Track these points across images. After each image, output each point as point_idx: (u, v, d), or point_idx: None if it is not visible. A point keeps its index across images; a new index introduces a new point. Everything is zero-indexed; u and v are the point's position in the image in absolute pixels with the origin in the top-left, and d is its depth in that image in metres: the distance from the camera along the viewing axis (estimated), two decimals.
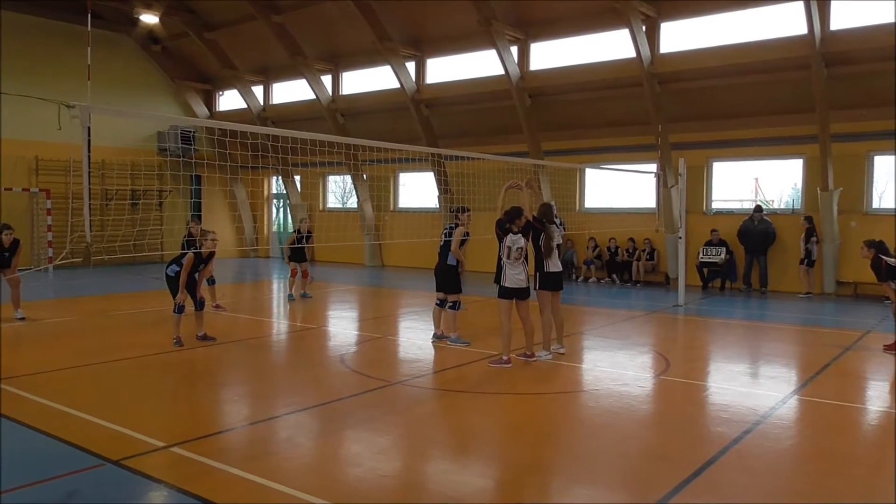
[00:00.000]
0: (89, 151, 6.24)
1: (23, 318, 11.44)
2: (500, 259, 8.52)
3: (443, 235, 10.03)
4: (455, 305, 9.73)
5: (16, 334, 10.56)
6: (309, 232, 14.87)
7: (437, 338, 9.92)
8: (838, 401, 7.25)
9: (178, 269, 9.61)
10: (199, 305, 9.86)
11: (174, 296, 9.62)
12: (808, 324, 12.36)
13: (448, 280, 9.68)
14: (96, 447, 5.46)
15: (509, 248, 8.42)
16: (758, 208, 16.55)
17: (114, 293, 15.67)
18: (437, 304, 9.94)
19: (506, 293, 8.47)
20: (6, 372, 7.92)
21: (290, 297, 14.48)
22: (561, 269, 9.12)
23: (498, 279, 8.56)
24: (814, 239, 15.48)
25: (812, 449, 5.88)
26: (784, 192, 18.14)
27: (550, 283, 8.93)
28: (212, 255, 9.94)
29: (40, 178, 20.95)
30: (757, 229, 16.21)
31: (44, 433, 5.84)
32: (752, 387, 7.96)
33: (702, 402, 7.28)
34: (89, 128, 6.13)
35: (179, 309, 9.58)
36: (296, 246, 14.28)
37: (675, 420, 6.62)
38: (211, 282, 12.86)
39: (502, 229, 8.50)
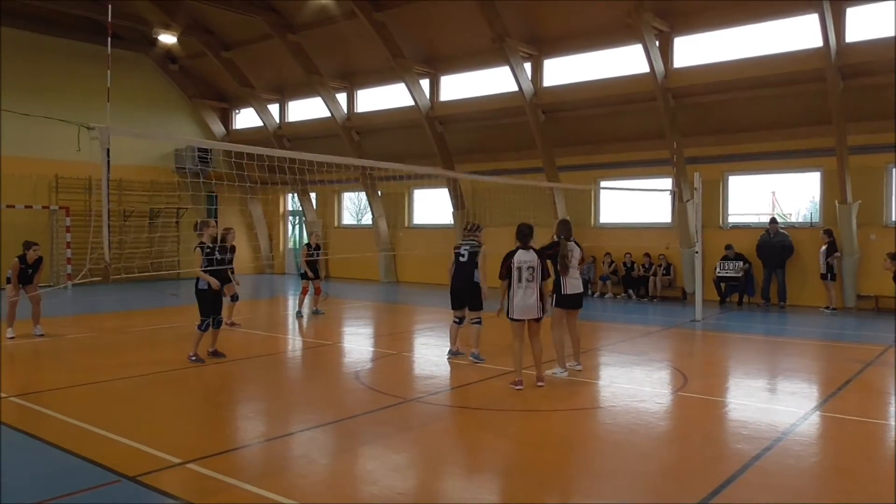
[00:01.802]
0: (108, 172, 6.31)
1: (42, 335, 11.54)
2: (509, 285, 8.05)
3: (460, 253, 9.87)
4: (480, 321, 9.70)
5: (35, 350, 10.66)
6: (318, 246, 14.64)
7: (453, 354, 9.88)
8: (860, 417, 7.14)
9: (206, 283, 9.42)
10: (217, 323, 9.76)
11: (202, 311, 9.44)
12: (828, 338, 12.20)
13: (476, 297, 9.61)
14: (113, 463, 5.48)
15: (519, 268, 7.98)
16: (773, 221, 16.41)
17: (131, 310, 15.78)
18: (455, 322, 9.91)
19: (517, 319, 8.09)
20: (25, 388, 7.99)
21: (299, 314, 14.43)
22: (581, 290, 8.82)
23: (507, 307, 8.09)
24: (837, 254, 15.30)
25: (834, 466, 5.78)
26: (802, 206, 17.99)
27: (568, 303, 8.75)
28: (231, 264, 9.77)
29: (60, 196, 21.26)
30: (773, 242, 16.08)
31: (61, 449, 5.87)
32: (772, 403, 7.86)
33: (721, 419, 7.19)
34: (108, 149, 6.20)
35: (206, 326, 9.49)
36: (310, 259, 14.25)
37: (694, 437, 6.54)
38: (234, 298, 12.81)
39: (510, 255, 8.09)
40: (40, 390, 8.07)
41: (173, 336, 11.77)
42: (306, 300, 14.73)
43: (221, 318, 9.90)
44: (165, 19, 22.00)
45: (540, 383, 8.14)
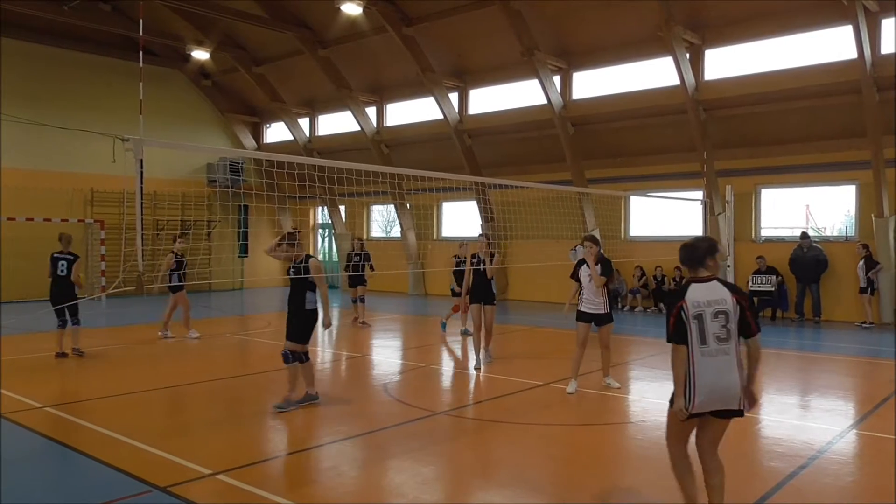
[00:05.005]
0: (142, 183, 6.43)
1: (197, 337, 12.73)
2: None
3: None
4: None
5: (70, 363, 10.82)
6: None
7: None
8: None
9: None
10: (76, 321, 10.80)
11: (73, 312, 10.72)
12: (864, 354, 11.93)
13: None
14: (144, 474, 5.54)
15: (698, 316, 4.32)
16: (804, 235, 16.10)
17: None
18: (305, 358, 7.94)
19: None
20: (61, 398, 8.13)
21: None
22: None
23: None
24: (879, 266, 14.96)
25: (872, 485, 5.63)
26: (836, 219, 17.66)
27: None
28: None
29: (95, 210, 21.72)
30: (807, 257, 15.78)
31: (95, 459, 5.96)
32: (807, 420, 7.69)
33: (754, 436, 7.05)
34: (142, 160, 6.33)
35: (64, 323, 10.75)
36: (459, 268, 12.81)
37: (726, 454, 6.36)
38: (362, 300, 14.77)
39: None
40: (74, 401, 8.20)
41: (203, 347, 11.89)
42: (455, 316, 14.06)
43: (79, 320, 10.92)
44: (199, 36, 22.44)
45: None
